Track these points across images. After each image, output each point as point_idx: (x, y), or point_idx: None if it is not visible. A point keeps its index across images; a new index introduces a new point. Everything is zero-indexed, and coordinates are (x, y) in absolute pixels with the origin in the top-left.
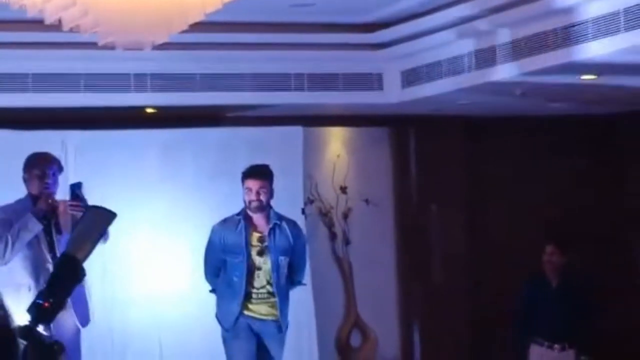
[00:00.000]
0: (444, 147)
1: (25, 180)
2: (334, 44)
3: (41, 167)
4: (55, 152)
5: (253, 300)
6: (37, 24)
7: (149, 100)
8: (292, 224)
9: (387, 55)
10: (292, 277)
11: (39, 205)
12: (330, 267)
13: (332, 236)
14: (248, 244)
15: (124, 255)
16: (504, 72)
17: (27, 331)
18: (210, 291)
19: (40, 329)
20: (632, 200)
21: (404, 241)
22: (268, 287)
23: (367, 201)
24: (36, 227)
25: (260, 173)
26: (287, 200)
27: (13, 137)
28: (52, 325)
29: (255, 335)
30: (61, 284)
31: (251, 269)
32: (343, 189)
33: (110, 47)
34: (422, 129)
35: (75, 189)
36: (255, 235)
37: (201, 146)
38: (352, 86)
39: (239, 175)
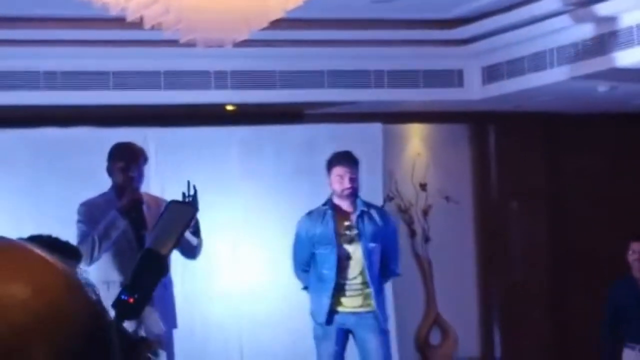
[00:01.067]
0: (524, 144)
1: (109, 172)
2: (414, 40)
3: (126, 158)
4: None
5: (346, 293)
6: (118, 22)
7: (229, 97)
8: (380, 210)
9: (467, 52)
10: (386, 267)
11: (124, 201)
12: (410, 264)
13: (412, 233)
14: (337, 234)
15: (204, 252)
16: (587, 67)
17: (114, 327)
18: (303, 289)
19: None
20: None
21: (484, 239)
22: (361, 277)
23: (447, 198)
24: (122, 223)
25: (350, 159)
26: (367, 197)
27: (95, 135)
28: (140, 327)
29: (346, 337)
30: (145, 279)
31: (341, 259)
32: (423, 186)
33: (191, 44)
34: (502, 126)
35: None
36: (344, 223)
37: (281, 143)
38: (433, 83)
39: (320, 172)
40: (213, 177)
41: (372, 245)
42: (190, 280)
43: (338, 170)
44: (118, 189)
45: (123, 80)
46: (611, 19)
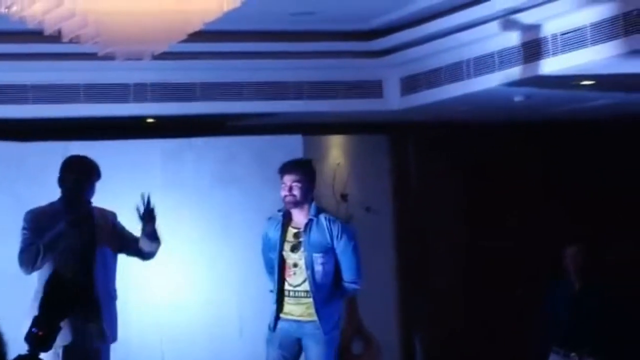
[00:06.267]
0: (443, 154)
1: (60, 183)
2: (333, 52)
3: (78, 171)
4: (57, 162)
5: (289, 300)
6: (36, 35)
7: (149, 110)
8: (332, 220)
9: (386, 63)
10: (341, 277)
11: (74, 214)
12: None
13: None
14: (282, 240)
15: (124, 261)
16: (503, 77)
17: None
18: (271, 291)
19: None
20: None
21: (405, 248)
22: (305, 284)
23: (368, 209)
24: (70, 236)
25: (293, 167)
26: None
27: (14, 149)
28: (80, 336)
29: (295, 344)
30: (54, 309)
31: (282, 266)
32: (344, 197)
33: (110, 57)
34: (421, 136)
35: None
36: (292, 230)
37: (201, 155)
38: (352, 94)
39: (240, 184)
40: (134, 189)
41: (316, 255)
42: None
43: (284, 178)
44: (67, 201)
45: (41, 93)
46: (529, 29)
